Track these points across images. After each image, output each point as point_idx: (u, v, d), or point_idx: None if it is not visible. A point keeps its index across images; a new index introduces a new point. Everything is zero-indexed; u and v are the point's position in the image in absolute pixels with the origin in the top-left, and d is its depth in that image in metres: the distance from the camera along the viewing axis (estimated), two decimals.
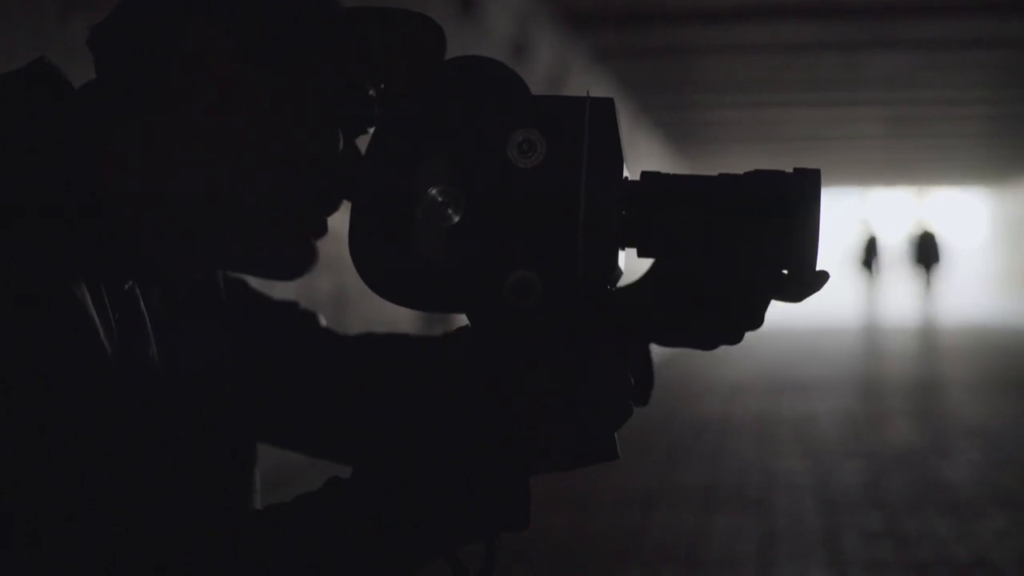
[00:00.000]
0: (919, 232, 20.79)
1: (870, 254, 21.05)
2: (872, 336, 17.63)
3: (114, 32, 1.26)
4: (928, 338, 18.03)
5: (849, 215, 30.72)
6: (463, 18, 7.64)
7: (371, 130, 1.25)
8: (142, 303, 1.27)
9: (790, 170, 1.22)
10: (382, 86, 1.29)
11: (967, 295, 27.17)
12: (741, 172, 1.24)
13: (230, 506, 1.39)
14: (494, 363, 1.19)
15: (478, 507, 1.16)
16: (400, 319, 6.74)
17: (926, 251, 20.44)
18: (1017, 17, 10.71)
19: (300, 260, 1.30)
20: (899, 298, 20.45)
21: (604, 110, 1.21)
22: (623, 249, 1.23)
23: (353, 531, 1.13)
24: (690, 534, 5.83)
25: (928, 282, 20.57)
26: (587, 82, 12.41)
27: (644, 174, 1.23)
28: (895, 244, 21.54)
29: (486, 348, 1.20)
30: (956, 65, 13.43)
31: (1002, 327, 17.58)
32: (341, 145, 1.27)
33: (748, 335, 1.29)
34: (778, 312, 1.34)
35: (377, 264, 1.21)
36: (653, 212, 1.21)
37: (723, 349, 1.31)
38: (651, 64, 13.22)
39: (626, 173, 1.22)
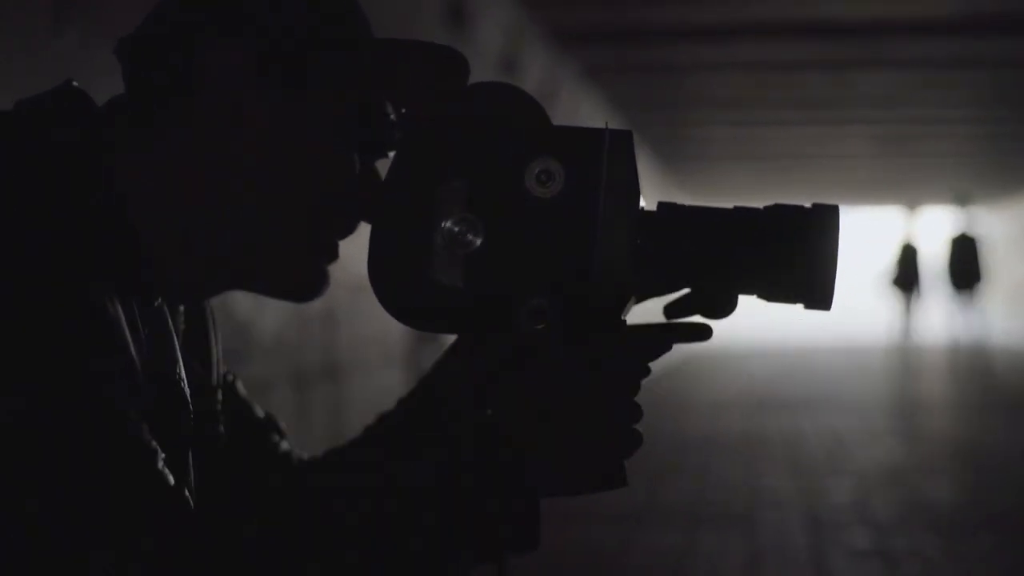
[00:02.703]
0: (955, 239, 18.70)
1: (907, 269, 18.53)
2: (904, 356, 17.20)
3: (139, 46, 1.27)
4: (965, 358, 17.92)
5: (884, 233, 29.93)
6: (453, 34, 7.64)
7: (391, 154, 1.26)
8: (170, 321, 1.28)
9: (808, 205, 1.23)
10: (403, 111, 1.30)
11: (952, 314, 27.20)
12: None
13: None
14: (507, 389, 1.20)
15: (488, 529, 1.17)
16: (391, 337, 6.73)
17: (966, 266, 18.32)
18: (1004, 37, 10.74)
19: (312, 283, 1.32)
20: (933, 316, 19.56)
21: (622, 142, 1.22)
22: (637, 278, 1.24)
23: (358, 552, 1.13)
24: (675, 552, 5.82)
25: (967, 299, 18.63)
26: (577, 99, 12.42)
27: (660, 205, 1.25)
28: (933, 259, 19.13)
29: (500, 375, 1.22)
30: (945, 84, 13.45)
31: (989, 346, 17.59)
32: (357, 168, 1.28)
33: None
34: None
35: (395, 288, 1.23)
36: (668, 243, 1.22)
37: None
38: (641, 82, 13.23)
39: (642, 203, 1.23)
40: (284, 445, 1.55)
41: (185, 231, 1.25)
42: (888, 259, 18.24)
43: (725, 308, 1.27)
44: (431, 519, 1.15)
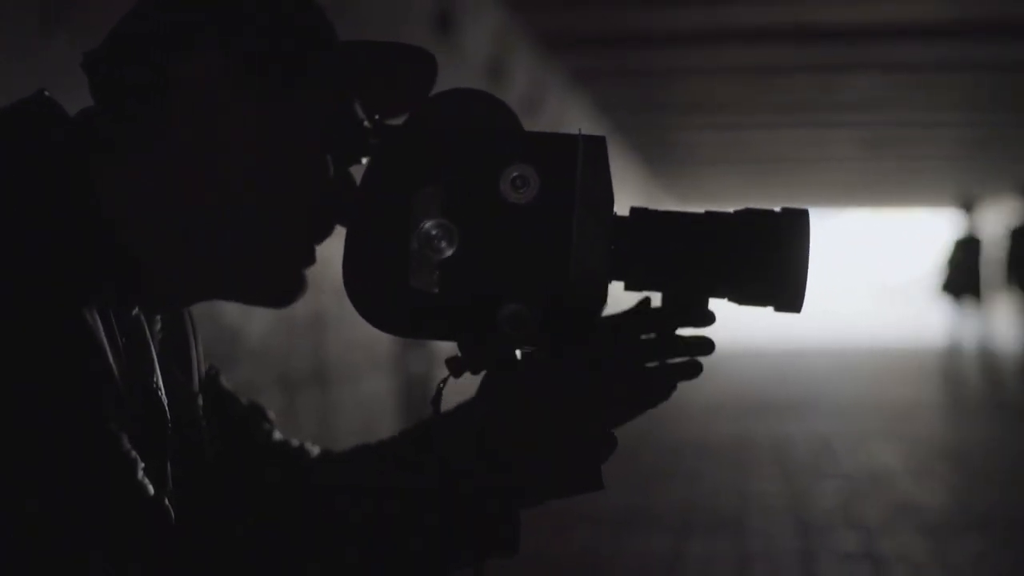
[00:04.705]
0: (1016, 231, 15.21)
1: (967, 268, 15.12)
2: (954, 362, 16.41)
3: (113, 55, 1.26)
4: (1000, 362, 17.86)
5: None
6: (440, 40, 7.65)
7: (365, 160, 1.27)
8: (148, 331, 1.28)
9: (778, 209, 1.23)
10: (377, 117, 1.30)
11: (941, 317, 27.28)
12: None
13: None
14: (484, 394, 1.21)
15: (468, 533, 1.17)
16: (378, 342, 6.72)
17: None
18: (989, 42, 10.77)
19: (289, 289, 1.32)
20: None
21: (596, 148, 1.23)
22: (611, 282, 1.24)
23: (358, 551, 1.14)
24: (666, 556, 5.82)
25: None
26: (564, 104, 12.43)
27: (633, 210, 1.25)
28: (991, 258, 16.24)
29: (493, 381, 1.22)
30: (930, 88, 13.49)
31: (976, 349, 17.57)
32: (331, 172, 1.28)
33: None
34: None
35: (370, 294, 1.23)
36: (641, 247, 1.23)
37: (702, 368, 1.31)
38: (627, 86, 13.25)
39: (615, 208, 1.23)
40: (277, 435, 1.54)
41: (185, 231, 1.25)
42: (937, 260, 15.50)
43: (700, 316, 1.26)
44: (432, 520, 1.15)
